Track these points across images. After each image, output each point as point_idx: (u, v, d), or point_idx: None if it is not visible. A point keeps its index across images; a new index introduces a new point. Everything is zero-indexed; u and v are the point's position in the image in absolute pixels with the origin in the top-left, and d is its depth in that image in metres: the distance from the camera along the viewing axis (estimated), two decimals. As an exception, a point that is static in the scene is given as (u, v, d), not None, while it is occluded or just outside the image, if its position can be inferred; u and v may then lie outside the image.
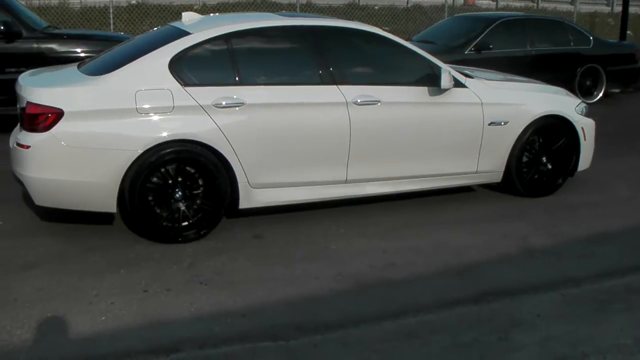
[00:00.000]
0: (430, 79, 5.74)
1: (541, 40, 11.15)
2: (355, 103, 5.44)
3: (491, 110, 5.97)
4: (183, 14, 5.81)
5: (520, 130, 6.14)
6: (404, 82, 5.74)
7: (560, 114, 6.34)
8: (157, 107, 4.91)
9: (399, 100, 5.63)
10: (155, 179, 4.98)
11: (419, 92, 5.73)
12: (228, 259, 4.88)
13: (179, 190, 5.06)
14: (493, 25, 10.80)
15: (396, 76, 5.77)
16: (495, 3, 21.52)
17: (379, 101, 5.52)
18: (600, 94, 11.65)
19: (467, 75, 6.06)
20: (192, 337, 3.82)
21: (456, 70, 5.99)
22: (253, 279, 4.58)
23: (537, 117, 6.19)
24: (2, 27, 8.04)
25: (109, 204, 4.92)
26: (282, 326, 3.97)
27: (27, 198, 5.58)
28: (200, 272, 4.65)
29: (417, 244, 5.28)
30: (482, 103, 5.94)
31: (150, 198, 4.99)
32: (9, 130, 5.58)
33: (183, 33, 5.26)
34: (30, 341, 3.74)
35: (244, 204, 5.28)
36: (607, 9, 21.38)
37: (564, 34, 11.49)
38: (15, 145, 4.93)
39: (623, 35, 14.48)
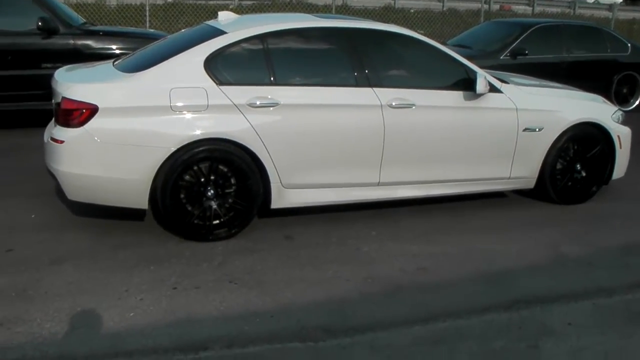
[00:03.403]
0: (466, 84, 5.70)
1: (577, 46, 10.99)
2: (390, 106, 5.41)
3: (526, 116, 5.90)
4: (219, 13, 5.83)
5: (555, 137, 6.06)
6: (439, 86, 5.70)
7: (596, 122, 6.25)
8: (191, 105, 4.92)
9: (433, 104, 5.59)
10: (187, 177, 5.00)
11: (454, 97, 5.69)
12: (258, 259, 4.88)
13: (211, 188, 5.07)
14: (529, 31, 10.67)
15: (431, 80, 5.72)
16: (531, 9, 21.30)
17: (413, 105, 5.49)
18: (637, 102, 11.46)
19: (502, 81, 6.00)
20: (220, 336, 3.82)
21: (492, 75, 5.93)
22: (283, 280, 4.57)
23: (572, 124, 6.12)
24: (39, 23, 8.13)
25: (141, 201, 4.95)
26: (311, 328, 3.96)
27: (60, 192, 5.63)
28: (230, 271, 4.65)
29: (448, 249, 5.24)
30: (517, 109, 5.87)
31: (182, 196, 5.00)
32: (45, 124, 5.65)
33: (219, 32, 5.27)
34: (59, 335, 3.77)
35: (276, 204, 5.28)
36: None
37: (601, 41, 11.32)
38: (49, 139, 4.98)
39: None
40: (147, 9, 13.88)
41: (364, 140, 5.40)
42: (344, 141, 5.34)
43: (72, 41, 8.31)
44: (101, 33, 8.73)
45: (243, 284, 4.48)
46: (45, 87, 7.30)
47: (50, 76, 5.50)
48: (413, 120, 5.52)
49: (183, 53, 5.08)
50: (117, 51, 8.20)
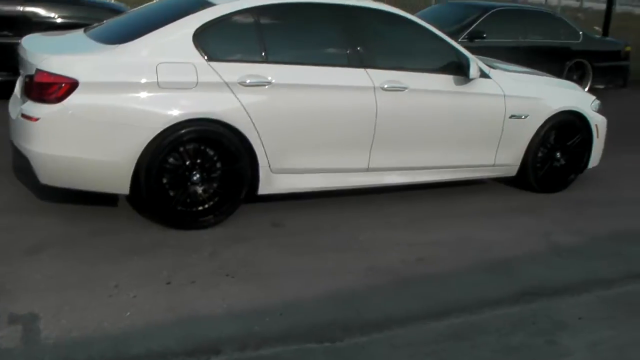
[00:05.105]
0: (457, 68, 5.52)
1: (533, 32, 11.01)
2: (383, 88, 5.16)
3: (513, 103, 5.78)
4: (201, -17, 5.39)
5: (539, 125, 5.97)
6: (432, 69, 5.49)
7: (577, 110, 6.20)
8: (179, 81, 4.52)
9: (426, 88, 5.37)
10: (172, 160, 4.61)
11: (445, 81, 5.49)
12: (250, 248, 4.56)
13: (197, 172, 4.70)
14: (487, 14, 10.59)
15: (424, 63, 5.50)
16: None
17: (406, 88, 5.25)
18: (586, 90, 11.57)
19: (489, 66, 5.84)
20: (230, 336, 3.51)
21: (481, 61, 5.76)
22: (282, 271, 4.28)
23: (555, 112, 6.03)
24: (-17, -13, 7.46)
25: (123, 185, 4.53)
26: (325, 325, 3.70)
27: (19, 173, 5.14)
28: (224, 263, 4.31)
29: (441, 237, 5.07)
30: (504, 95, 5.73)
31: (165, 180, 4.61)
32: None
33: (207, 4, 4.86)
34: (51, 338, 3.35)
35: (263, 189, 4.96)
36: (575, 4, 21.56)
37: (555, 27, 11.36)
38: (19, 116, 4.47)
39: (606, 31, 14.49)
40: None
41: (355, 124, 5.14)
42: (336, 124, 5.07)
43: (20, 8, 7.62)
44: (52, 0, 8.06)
45: (241, 278, 4.16)
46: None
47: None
48: (405, 104, 5.29)
49: (170, 25, 4.65)
50: (69, 20, 7.56)
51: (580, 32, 11.62)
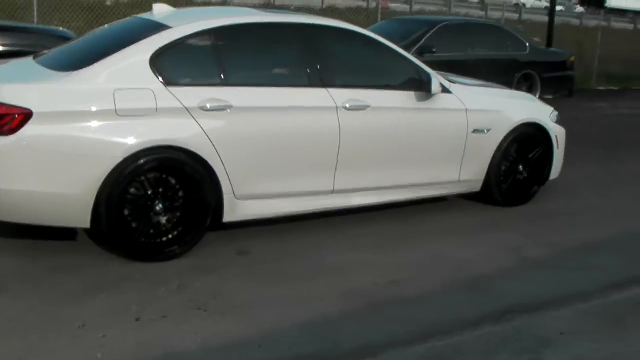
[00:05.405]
0: (418, 84, 5.46)
1: (482, 45, 11.15)
2: (345, 108, 5.06)
3: (475, 117, 5.74)
4: (154, 5, 5.20)
5: (501, 138, 5.95)
6: (393, 86, 5.43)
7: (538, 122, 6.21)
8: (138, 108, 4.34)
9: (388, 106, 5.30)
10: (133, 190, 4.41)
11: (407, 97, 5.42)
12: (220, 279, 4.39)
13: (160, 202, 4.51)
14: (435, 29, 10.67)
15: (385, 80, 5.44)
16: (409, 7, 21.62)
17: (368, 106, 5.16)
18: (535, 100, 11.79)
19: (449, 81, 5.81)
20: (209, 374, 3.35)
21: (440, 75, 5.72)
22: (254, 302, 4.11)
23: (517, 124, 6.03)
24: None
25: (83, 219, 4.30)
26: (306, 357, 3.55)
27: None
28: (194, 296, 4.13)
29: (411, 257, 4.98)
30: (466, 110, 5.70)
31: (127, 211, 4.41)
32: None
33: (162, 27, 4.68)
34: (18, 387, 3.15)
35: (228, 217, 4.79)
36: (514, 16, 22.04)
37: (503, 40, 11.54)
38: (-31, 150, 4.22)
39: (549, 43, 14.80)
40: (35, 2, 12.31)
41: (319, 145, 5.03)
42: (300, 146, 4.95)
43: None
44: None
45: (214, 311, 3.98)
46: None
47: None
48: (368, 122, 5.20)
49: (125, 50, 4.46)
50: (14, 48, 7.24)
51: (527, 44, 11.81)
